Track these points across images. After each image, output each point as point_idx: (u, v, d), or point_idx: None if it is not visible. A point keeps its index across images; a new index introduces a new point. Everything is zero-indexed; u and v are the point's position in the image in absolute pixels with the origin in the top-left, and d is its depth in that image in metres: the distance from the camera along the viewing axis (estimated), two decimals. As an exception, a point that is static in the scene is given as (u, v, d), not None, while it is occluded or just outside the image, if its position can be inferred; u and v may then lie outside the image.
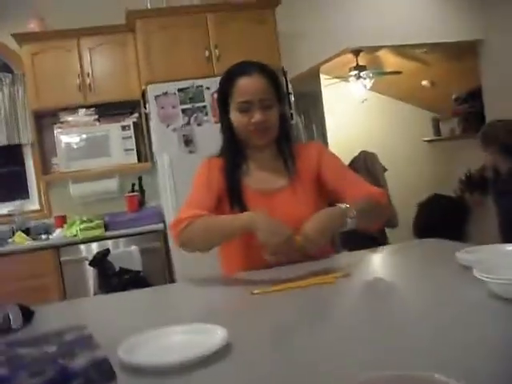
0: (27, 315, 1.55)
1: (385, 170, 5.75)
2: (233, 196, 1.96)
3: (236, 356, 1.08)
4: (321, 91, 6.50)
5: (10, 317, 1.50)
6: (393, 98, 7.83)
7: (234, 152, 2.02)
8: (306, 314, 1.34)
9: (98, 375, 1.02)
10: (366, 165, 5.69)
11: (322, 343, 1.10)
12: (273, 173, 2.02)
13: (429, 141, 7.15)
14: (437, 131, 7.11)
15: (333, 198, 1.95)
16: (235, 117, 1.95)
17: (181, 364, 1.04)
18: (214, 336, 1.14)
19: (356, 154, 5.92)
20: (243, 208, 1.92)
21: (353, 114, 7.40)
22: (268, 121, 1.93)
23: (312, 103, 6.26)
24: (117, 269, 3.73)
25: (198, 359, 1.05)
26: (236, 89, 1.92)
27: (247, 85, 1.91)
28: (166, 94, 4.11)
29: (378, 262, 2.01)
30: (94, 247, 4.11)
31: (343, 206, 1.76)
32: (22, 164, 4.93)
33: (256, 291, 1.56)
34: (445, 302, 1.27)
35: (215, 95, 4.07)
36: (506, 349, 0.97)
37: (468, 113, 6.23)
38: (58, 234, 4.33)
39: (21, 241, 4.30)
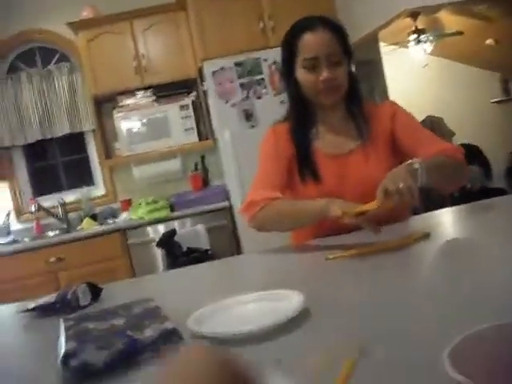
0: (95, 292, 1.53)
1: (453, 134, 5.54)
2: (303, 161, 1.86)
3: (315, 322, 1.00)
4: (381, 58, 6.30)
5: (79, 294, 1.48)
6: (456, 60, 7.53)
7: (301, 114, 1.89)
8: (384, 277, 1.24)
9: (167, 346, 0.96)
10: (432, 130, 5.46)
11: (405, 307, 1.00)
12: (344, 135, 1.90)
13: (498, 102, 6.84)
14: (505, 91, 6.80)
15: (407, 159, 1.78)
16: (301, 75, 1.82)
17: (256, 332, 0.96)
18: (291, 302, 1.06)
19: (421, 119, 5.71)
20: (314, 173, 1.83)
21: (415, 80, 7.17)
22: (336, 78, 1.80)
23: (373, 71, 6.07)
24: (184, 248, 3.70)
25: (275, 326, 0.97)
26: (300, 45, 1.80)
27: (312, 40, 1.78)
28: (222, 69, 4.04)
29: (460, 221, 1.86)
30: (161, 228, 4.10)
31: (415, 161, 1.59)
32: (86, 151, 4.98)
33: (331, 256, 1.48)
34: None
35: (273, 67, 4.06)
36: None
37: (539, 69, 5.91)
38: (124, 218, 4.35)
39: (89, 226, 4.35)
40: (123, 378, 0.89)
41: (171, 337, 0.97)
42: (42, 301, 1.50)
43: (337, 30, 1.82)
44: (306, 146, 1.87)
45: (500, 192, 4.59)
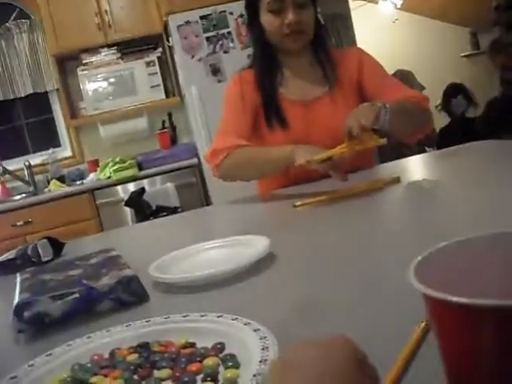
0: (57, 247, 1.48)
1: (422, 88, 5.51)
2: (269, 108, 1.81)
3: (280, 267, 0.96)
4: (349, 12, 6.22)
5: (39, 249, 1.43)
6: (425, 15, 7.48)
7: (267, 59, 1.84)
8: (351, 222, 1.21)
9: (128, 295, 0.91)
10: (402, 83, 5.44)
11: (371, 253, 0.97)
12: (310, 81, 1.85)
13: (467, 55, 6.82)
14: (475, 45, 6.78)
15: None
16: (266, 18, 1.77)
17: (217, 276, 0.93)
18: (256, 247, 1.02)
19: (391, 73, 5.67)
20: (281, 120, 1.78)
21: (385, 35, 7.12)
22: (302, 21, 1.74)
23: (341, 25, 6.00)
24: (154, 207, 3.65)
25: (238, 270, 0.93)
26: None
27: None
28: (188, 23, 3.92)
29: (429, 167, 1.84)
30: (130, 187, 4.03)
31: (378, 102, 1.53)
32: (50, 112, 4.84)
33: (298, 203, 1.44)
34: (502, 211, 1.03)
35: (240, 20, 3.95)
36: None
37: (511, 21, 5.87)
38: (91, 178, 4.27)
39: (56, 188, 4.25)
40: (81, 328, 0.84)
41: (130, 284, 0.92)
42: (0, 258, 1.45)
43: None
44: (272, 92, 1.82)
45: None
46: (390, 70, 5.59)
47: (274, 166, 1.66)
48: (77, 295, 0.89)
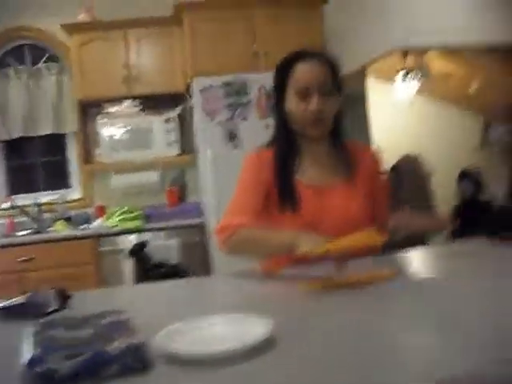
0: (63, 299, 1.53)
1: (431, 174, 5.61)
2: (283, 191, 1.86)
3: (279, 350, 1.01)
4: (367, 92, 6.39)
5: (49, 299, 1.48)
6: (440, 101, 7.67)
7: (286, 143, 1.91)
8: (354, 313, 1.26)
9: (134, 361, 0.97)
10: (410, 168, 5.55)
11: (372, 344, 1.02)
12: (327, 169, 1.93)
13: (478, 146, 6.96)
14: (486, 137, 6.94)
15: None
16: (291, 103, 1.85)
17: (220, 355, 0.97)
18: (257, 328, 1.07)
19: (400, 156, 5.79)
20: (294, 205, 1.84)
21: (399, 117, 7.28)
22: (325, 110, 1.82)
23: (357, 104, 6.16)
24: (155, 261, 3.70)
25: (238, 351, 0.98)
26: (294, 74, 1.84)
27: (306, 69, 1.82)
28: (211, 87, 4.08)
29: (430, 263, 1.91)
30: (133, 239, 4.09)
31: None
32: (64, 153, 4.95)
33: (304, 287, 1.49)
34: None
35: (261, 91, 4.10)
36: None
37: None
38: (97, 224, 4.33)
39: (61, 229, 4.32)
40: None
41: (138, 351, 0.98)
42: (7, 302, 1.49)
43: (330, 63, 1.86)
44: (288, 176, 1.87)
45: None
46: (400, 154, 5.75)
47: (276, 250, 1.72)
48: (87, 357, 0.95)
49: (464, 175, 5.25)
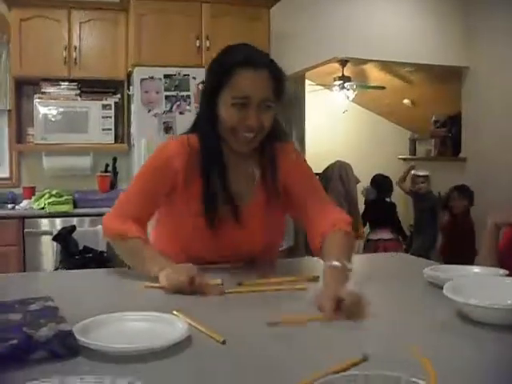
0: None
1: (358, 181, 5.81)
2: (207, 205, 1.71)
3: (195, 350, 1.07)
4: (304, 96, 6.53)
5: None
6: (373, 112, 7.92)
7: (213, 151, 1.72)
8: (275, 314, 1.33)
9: (62, 348, 1.02)
10: (339, 174, 5.73)
11: (283, 348, 1.10)
12: (248, 183, 1.78)
13: (404, 159, 7.24)
14: (413, 150, 7.22)
15: (293, 212, 1.86)
16: (225, 111, 1.64)
17: (132, 352, 1.03)
18: (175, 327, 1.13)
19: (331, 162, 5.96)
20: (214, 224, 1.72)
21: (333, 123, 7.47)
22: (262, 128, 1.66)
23: (294, 107, 6.28)
24: (81, 247, 3.70)
25: (156, 349, 1.03)
26: (235, 80, 1.61)
27: (249, 78, 1.61)
28: (151, 78, 4.09)
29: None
30: (59, 222, 4.07)
31: (337, 263, 1.47)
32: (-4, 130, 4.85)
33: (229, 290, 1.50)
34: (413, 320, 1.28)
35: (200, 86, 4.13)
36: (473, 371, 0.99)
37: (445, 136, 6.32)
38: (24, 205, 4.27)
39: (-15, 207, 4.24)
40: (13, 374, 0.93)
41: (66, 339, 1.02)
42: None
43: (275, 74, 1.66)
44: (213, 191, 1.72)
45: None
46: (331, 159, 5.92)
47: (145, 273, 1.62)
48: (15, 341, 0.99)
49: (372, 181, 5.76)
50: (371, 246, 5.55)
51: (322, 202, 1.80)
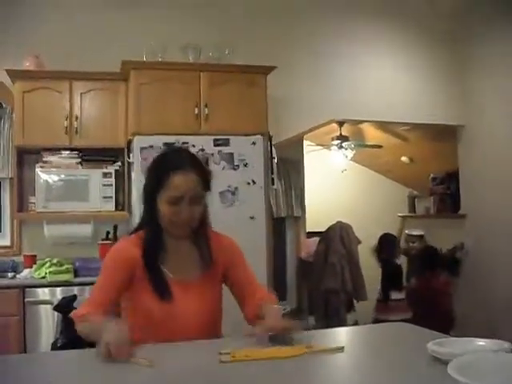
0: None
1: (359, 242, 5.82)
2: (157, 284, 2.02)
3: None
4: (303, 157, 6.62)
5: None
6: (372, 170, 8.00)
7: (155, 238, 2.06)
8: None
9: None
10: (340, 235, 5.74)
11: None
12: (187, 262, 2.11)
13: (403, 216, 7.26)
14: (412, 208, 7.25)
15: (232, 289, 2.20)
16: (163, 207, 2.01)
17: None
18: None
19: (332, 222, 5.98)
20: (166, 296, 2.01)
21: (332, 183, 7.54)
22: (193, 218, 2.04)
23: (293, 168, 6.35)
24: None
25: None
26: (169, 183, 1.98)
27: (181, 181, 1.98)
28: (151, 147, 4.14)
29: (347, 342, 2.02)
30: (59, 292, 4.05)
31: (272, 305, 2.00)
32: (-2, 198, 4.89)
33: (225, 359, 1.60)
34: None
35: (200, 154, 4.18)
36: None
37: (444, 193, 6.37)
38: (25, 274, 4.27)
39: (-14, 275, 4.23)
40: None
41: None
42: None
43: (202, 172, 2.06)
44: (158, 269, 2.04)
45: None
46: (332, 219, 5.94)
47: (96, 339, 1.75)
48: None
49: (381, 240, 5.56)
50: (383, 307, 5.31)
51: (253, 284, 2.20)
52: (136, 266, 2.02)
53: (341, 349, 1.71)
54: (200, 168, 2.07)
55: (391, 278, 5.36)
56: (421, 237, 5.82)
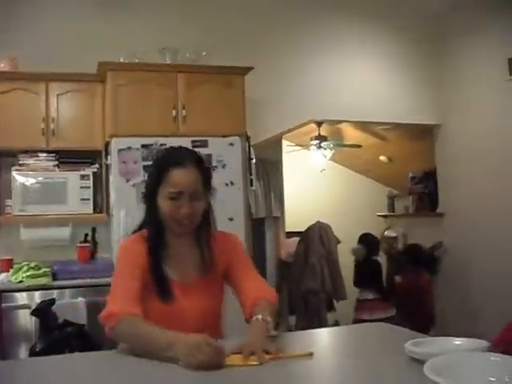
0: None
1: (338, 242, 5.85)
2: (159, 284, 2.01)
3: None
4: (282, 158, 6.63)
5: None
6: (351, 169, 8.03)
7: (158, 237, 2.05)
8: None
9: None
10: (320, 235, 5.76)
11: None
12: (189, 262, 2.10)
13: (383, 216, 7.30)
14: (391, 207, 7.29)
15: (232, 288, 2.17)
16: (164, 203, 2.00)
17: None
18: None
19: (311, 222, 6.00)
20: (168, 297, 1.99)
21: (311, 183, 7.55)
22: (195, 213, 2.02)
23: (272, 169, 6.36)
24: (60, 320, 3.64)
25: None
26: (169, 178, 1.98)
27: (181, 176, 1.98)
28: (129, 148, 4.12)
29: (324, 344, 2.03)
30: (38, 296, 4.00)
31: (260, 317, 1.86)
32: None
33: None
34: None
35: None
36: None
37: (422, 192, 6.41)
38: (2, 278, 4.21)
39: (-39, 281, 4.17)
40: None
41: None
42: None
43: (203, 169, 2.06)
44: (161, 269, 2.03)
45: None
46: (311, 219, 5.95)
47: (153, 351, 1.70)
48: None
49: (360, 240, 5.61)
50: (362, 306, 5.37)
51: (254, 279, 2.15)
52: (144, 264, 2.00)
53: (310, 355, 1.67)
54: (200, 165, 2.05)
55: (370, 275, 5.41)
56: (396, 238, 5.89)
